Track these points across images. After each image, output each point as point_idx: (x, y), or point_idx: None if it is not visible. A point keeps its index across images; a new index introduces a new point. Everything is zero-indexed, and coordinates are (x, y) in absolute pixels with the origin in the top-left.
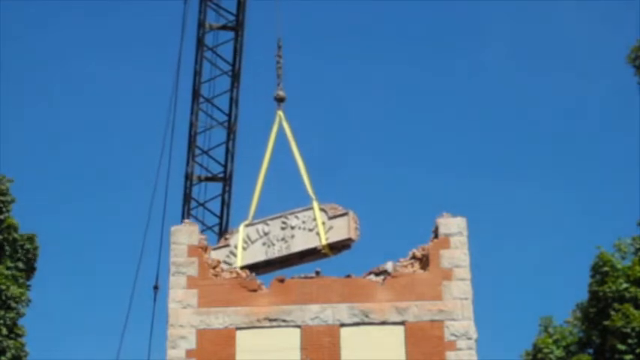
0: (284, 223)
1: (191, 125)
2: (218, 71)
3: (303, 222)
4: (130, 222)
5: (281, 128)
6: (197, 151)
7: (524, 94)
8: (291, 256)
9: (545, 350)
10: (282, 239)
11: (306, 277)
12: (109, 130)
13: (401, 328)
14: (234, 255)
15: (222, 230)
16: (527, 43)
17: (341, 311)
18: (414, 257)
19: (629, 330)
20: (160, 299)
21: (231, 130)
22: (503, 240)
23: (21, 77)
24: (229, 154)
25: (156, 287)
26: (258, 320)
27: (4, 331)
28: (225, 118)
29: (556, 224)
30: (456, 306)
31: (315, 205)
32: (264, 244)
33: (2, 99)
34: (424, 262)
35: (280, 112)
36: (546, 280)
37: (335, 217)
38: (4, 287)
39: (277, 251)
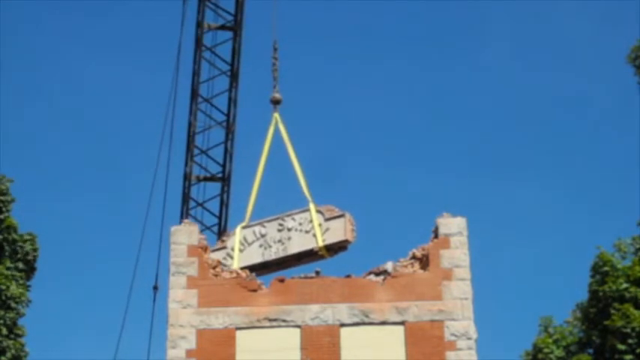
0: (281, 225)
1: (190, 125)
2: (217, 71)
3: (300, 224)
4: (130, 222)
5: (277, 130)
6: (196, 151)
7: (524, 93)
8: (288, 257)
9: (546, 350)
10: (279, 241)
11: (306, 277)
12: (109, 130)
13: (401, 328)
14: (231, 257)
15: (221, 230)
16: (528, 43)
17: (341, 311)
18: (414, 257)
19: (629, 330)
20: (160, 299)
21: (229, 130)
22: (503, 240)
23: (21, 77)
24: (228, 154)
25: (155, 287)
26: (258, 320)
27: (4, 331)
28: (224, 118)
29: (556, 224)
30: (456, 306)
31: (312, 206)
32: (260, 245)
33: (2, 99)
34: (424, 262)
35: (276, 115)
36: (546, 280)
37: (331, 218)
38: (4, 287)
39: (274, 253)
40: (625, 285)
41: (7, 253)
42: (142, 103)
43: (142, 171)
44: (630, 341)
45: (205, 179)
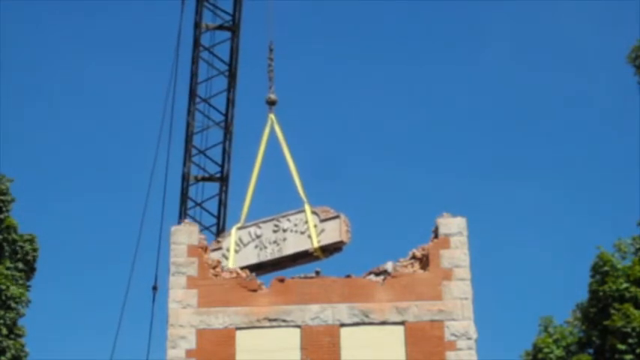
0: (276, 225)
1: (188, 125)
2: (215, 71)
3: (295, 225)
4: (131, 222)
5: (273, 131)
6: (194, 151)
7: (524, 93)
8: (283, 258)
9: (546, 350)
10: (274, 242)
11: (306, 277)
12: (109, 130)
13: (401, 328)
14: (227, 258)
15: (219, 230)
16: (528, 43)
17: (341, 311)
18: (414, 257)
19: (629, 330)
20: (160, 299)
21: (227, 130)
22: (503, 240)
23: (21, 77)
24: (226, 154)
25: (155, 288)
26: (258, 320)
27: (4, 331)
28: (222, 118)
29: (556, 224)
30: (456, 306)
31: (307, 207)
32: (256, 246)
33: (2, 99)
34: (424, 262)
35: (272, 116)
36: (546, 280)
37: (327, 219)
38: (4, 287)
39: (269, 254)
40: (625, 285)
41: (7, 253)
42: (141, 103)
43: (143, 171)
44: (630, 341)
45: (204, 179)
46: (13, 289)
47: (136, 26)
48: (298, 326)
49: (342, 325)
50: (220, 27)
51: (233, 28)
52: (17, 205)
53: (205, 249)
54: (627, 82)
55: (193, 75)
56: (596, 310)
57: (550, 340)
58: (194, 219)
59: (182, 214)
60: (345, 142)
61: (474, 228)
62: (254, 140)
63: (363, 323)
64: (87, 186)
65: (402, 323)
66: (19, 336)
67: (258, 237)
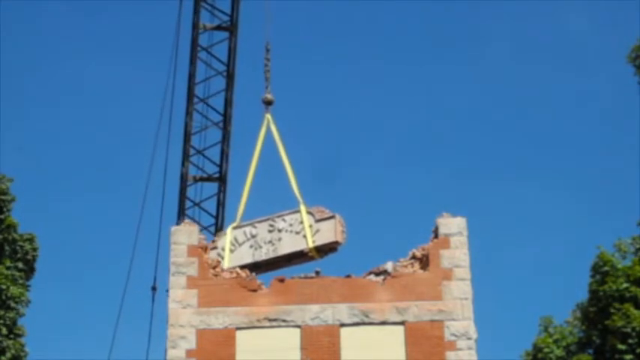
0: (271, 225)
1: (186, 125)
2: (213, 72)
3: (291, 225)
4: (131, 222)
5: (269, 131)
6: (192, 152)
7: (524, 93)
8: (279, 258)
9: (546, 350)
10: (270, 242)
11: (306, 277)
12: (109, 130)
13: (401, 328)
14: (222, 257)
15: (217, 230)
16: (528, 43)
17: (341, 311)
18: (414, 257)
19: (629, 330)
20: (159, 300)
21: (226, 131)
22: (503, 240)
23: (21, 77)
24: (224, 154)
25: (154, 288)
26: (258, 320)
27: (4, 331)
28: (220, 118)
29: (556, 224)
30: (456, 306)
31: (302, 208)
32: (251, 246)
33: (2, 99)
34: (424, 262)
35: (268, 115)
36: (546, 280)
37: (322, 220)
38: (4, 287)
39: (264, 254)
40: (625, 285)
41: (6, 253)
42: (142, 103)
43: (143, 171)
44: (630, 341)
45: (202, 179)
46: (13, 289)
47: (135, 26)
48: (298, 326)
49: (342, 325)
50: (218, 27)
51: (231, 28)
52: (17, 204)
53: (205, 249)
54: (627, 82)
55: (191, 75)
56: (596, 310)
57: (550, 340)
58: (192, 219)
59: (180, 215)
60: (345, 142)
61: (473, 228)
62: (252, 140)
63: (363, 323)
64: (87, 186)
65: (402, 323)
66: (19, 336)
67: (253, 237)
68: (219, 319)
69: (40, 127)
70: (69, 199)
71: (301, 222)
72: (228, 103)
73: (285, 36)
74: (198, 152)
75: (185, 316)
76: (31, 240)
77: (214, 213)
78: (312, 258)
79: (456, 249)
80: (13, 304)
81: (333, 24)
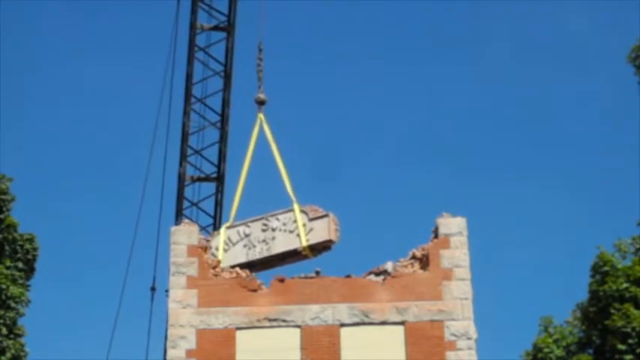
0: (265, 224)
1: (183, 126)
2: (210, 72)
3: (284, 224)
4: (131, 222)
5: (262, 131)
6: (190, 152)
7: (524, 93)
8: (272, 257)
9: (546, 350)
10: (263, 241)
11: (306, 277)
12: (109, 130)
13: (401, 328)
14: (215, 257)
15: (216, 230)
16: (528, 43)
17: (341, 311)
18: (414, 257)
19: (629, 330)
20: (158, 300)
21: (223, 131)
22: (503, 240)
23: (21, 77)
24: (222, 154)
25: (153, 288)
26: (258, 320)
27: (4, 331)
28: (218, 118)
29: (556, 224)
30: (456, 306)
31: (296, 206)
32: (245, 245)
33: (2, 99)
34: (424, 262)
35: (261, 115)
36: (546, 280)
37: (315, 218)
38: (4, 287)
39: (258, 253)
40: (625, 285)
41: (6, 253)
42: (143, 103)
43: (143, 171)
44: (630, 341)
45: (199, 179)
46: (13, 289)
47: (133, 27)
48: (298, 326)
49: (342, 325)
50: (215, 27)
51: (228, 28)
52: (17, 204)
53: (205, 249)
54: (627, 82)
55: (189, 75)
56: (596, 310)
57: (550, 340)
58: (190, 219)
59: (178, 215)
60: (346, 142)
61: (473, 228)
62: (249, 140)
63: (363, 323)
64: (87, 186)
65: (402, 323)
66: (19, 336)
67: (247, 236)
68: (219, 319)
69: (40, 127)
70: (69, 199)
71: (295, 221)
72: (225, 103)
73: (285, 36)
74: (196, 152)
75: (185, 316)
76: (31, 240)
77: (212, 213)
78: (305, 257)
79: (456, 249)
80: (13, 304)
81: (333, 24)
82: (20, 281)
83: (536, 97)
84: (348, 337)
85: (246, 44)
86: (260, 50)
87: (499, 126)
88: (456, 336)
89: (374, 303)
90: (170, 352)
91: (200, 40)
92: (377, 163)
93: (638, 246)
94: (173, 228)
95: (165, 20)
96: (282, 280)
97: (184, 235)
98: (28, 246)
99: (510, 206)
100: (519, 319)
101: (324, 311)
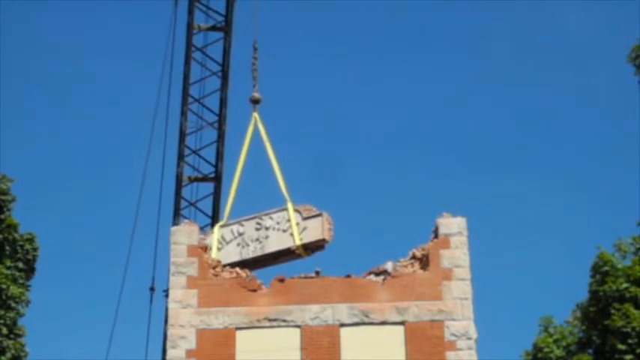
0: (258, 223)
1: (181, 126)
2: (207, 72)
3: (278, 223)
4: (130, 222)
5: (257, 130)
6: (187, 152)
7: (524, 93)
8: (266, 256)
9: (546, 350)
10: (257, 240)
11: (306, 277)
12: (109, 130)
13: (401, 328)
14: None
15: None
16: (528, 43)
17: (341, 311)
18: (414, 257)
19: (629, 330)
20: (158, 300)
21: (221, 131)
22: (503, 240)
23: (21, 77)
24: (219, 154)
25: (152, 289)
26: (258, 320)
27: (4, 331)
28: (215, 118)
29: (556, 224)
30: (456, 306)
31: (290, 206)
32: (238, 244)
33: (2, 99)
34: (424, 262)
35: (255, 114)
36: (546, 280)
37: (309, 218)
38: (4, 287)
39: (251, 252)
40: (625, 285)
41: (7, 253)
42: (143, 104)
43: (141, 171)
44: (630, 341)
45: (197, 179)
46: (13, 289)
47: (131, 27)
48: (298, 326)
49: (342, 325)
50: (213, 28)
51: (225, 28)
52: (17, 204)
53: (205, 249)
54: (627, 82)
55: (186, 75)
56: (596, 310)
57: (550, 340)
58: (188, 219)
59: (176, 215)
60: (345, 142)
61: (473, 228)
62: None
63: (363, 323)
64: (87, 186)
65: (402, 323)
66: (19, 336)
67: (240, 235)
68: (219, 319)
69: (40, 126)
70: (69, 199)
71: (288, 220)
72: (223, 103)
73: (286, 36)
74: (194, 152)
75: (185, 316)
76: (31, 240)
77: (210, 213)
78: (299, 256)
79: (456, 249)
80: (13, 304)
81: (334, 23)
82: (20, 281)
83: (536, 96)
84: (348, 337)
85: (244, 44)
86: (255, 49)
87: (499, 125)
88: (456, 336)
89: (374, 303)
90: (170, 352)
91: (197, 40)
92: (377, 162)
93: (638, 246)
94: (173, 228)
95: (163, 20)
96: (282, 280)
97: (184, 235)
98: (28, 246)
99: (510, 206)
100: (519, 319)
101: (324, 311)
